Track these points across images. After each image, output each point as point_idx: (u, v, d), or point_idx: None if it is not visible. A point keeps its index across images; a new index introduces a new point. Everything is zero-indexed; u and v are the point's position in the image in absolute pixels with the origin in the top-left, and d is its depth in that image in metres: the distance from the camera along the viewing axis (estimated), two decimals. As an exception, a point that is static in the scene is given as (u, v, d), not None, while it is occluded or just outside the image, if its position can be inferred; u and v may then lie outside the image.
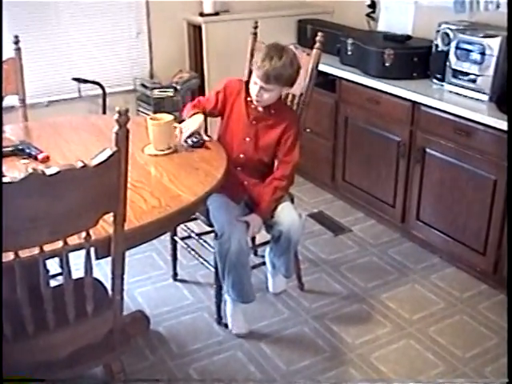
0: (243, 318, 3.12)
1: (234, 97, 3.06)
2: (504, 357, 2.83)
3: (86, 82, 4.69)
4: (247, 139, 3.05)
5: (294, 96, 3.19)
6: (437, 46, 3.73)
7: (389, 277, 3.60)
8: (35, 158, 2.67)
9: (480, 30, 3.47)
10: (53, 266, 2.72)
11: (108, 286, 2.15)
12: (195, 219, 3.10)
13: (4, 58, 3.27)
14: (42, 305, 1.94)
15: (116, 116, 1.73)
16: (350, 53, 4.25)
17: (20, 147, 2.74)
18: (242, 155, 3.05)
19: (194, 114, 3.01)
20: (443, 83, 3.66)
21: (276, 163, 3.09)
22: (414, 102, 3.64)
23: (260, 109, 3.02)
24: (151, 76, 5.04)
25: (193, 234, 3.35)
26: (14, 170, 2.53)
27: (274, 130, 3.03)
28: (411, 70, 3.89)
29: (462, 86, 3.51)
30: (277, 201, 3.01)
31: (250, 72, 3.03)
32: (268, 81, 2.85)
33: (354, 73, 4.10)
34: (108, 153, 1.76)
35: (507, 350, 2.62)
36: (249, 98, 3.01)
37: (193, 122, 2.95)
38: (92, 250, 1.97)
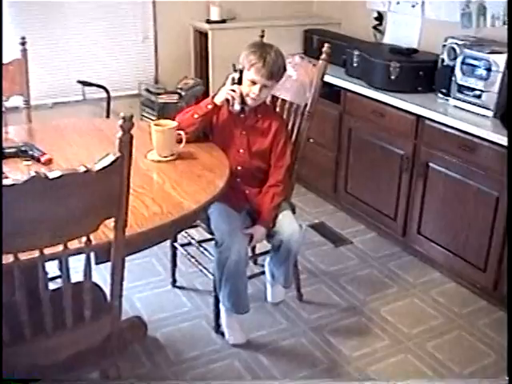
0: (240, 328, 3.10)
1: (216, 115, 3.05)
2: (504, 373, 2.81)
3: (90, 85, 4.69)
4: (241, 151, 3.05)
5: (298, 106, 3.19)
6: (443, 60, 3.73)
7: (388, 290, 3.59)
8: (38, 160, 2.66)
9: (486, 46, 3.47)
10: (51, 268, 2.71)
11: (106, 290, 2.14)
12: (196, 226, 3.09)
13: (10, 59, 3.28)
14: (40, 308, 1.92)
15: (120, 121, 1.72)
16: (355, 64, 4.25)
17: (23, 149, 2.73)
18: (239, 167, 3.04)
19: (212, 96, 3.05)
20: (448, 98, 3.65)
21: (271, 169, 3.09)
22: (419, 116, 3.63)
23: (246, 115, 3.02)
24: (156, 81, 5.04)
25: (193, 241, 3.34)
26: (17, 172, 2.52)
27: (265, 137, 3.05)
28: (416, 83, 3.89)
29: (467, 102, 3.51)
30: (276, 208, 3.02)
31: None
32: (272, 77, 2.89)
33: (359, 84, 4.10)
34: (111, 158, 1.75)
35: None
36: (236, 107, 2.97)
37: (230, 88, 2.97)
38: (92, 254, 1.96)
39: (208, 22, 4.81)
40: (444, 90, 3.70)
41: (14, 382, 2.02)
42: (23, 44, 3.28)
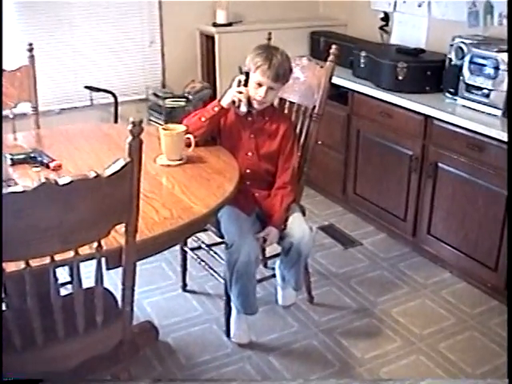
0: (246, 329, 3.11)
1: (223, 118, 3.05)
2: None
3: (98, 90, 4.70)
4: (249, 154, 3.05)
5: (306, 108, 3.18)
6: (450, 59, 3.72)
7: (399, 291, 3.58)
8: (47, 166, 2.67)
9: (494, 45, 3.46)
10: (62, 274, 2.71)
11: (117, 295, 2.14)
12: (206, 230, 3.09)
13: (17, 66, 3.29)
14: (51, 314, 1.92)
15: (130, 126, 1.72)
16: (362, 65, 4.24)
17: (32, 155, 2.74)
18: (248, 170, 3.03)
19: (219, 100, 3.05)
20: (456, 97, 3.64)
21: (278, 171, 3.09)
22: (427, 116, 3.62)
23: (254, 117, 3.03)
24: (163, 85, 5.04)
25: (203, 245, 3.34)
26: (26, 178, 2.53)
27: (273, 139, 3.05)
28: (424, 83, 3.88)
29: (476, 101, 3.49)
30: (286, 209, 3.02)
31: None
32: (277, 79, 2.89)
33: (366, 86, 4.09)
34: (121, 163, 1.75)
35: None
36: (242, 109, 2.97)
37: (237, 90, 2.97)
38: (103, 260, 1.96)
39: (214, 25, 4.81)
40: (452, 90, 3.69)
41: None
42: (30, 50, 3.29)
